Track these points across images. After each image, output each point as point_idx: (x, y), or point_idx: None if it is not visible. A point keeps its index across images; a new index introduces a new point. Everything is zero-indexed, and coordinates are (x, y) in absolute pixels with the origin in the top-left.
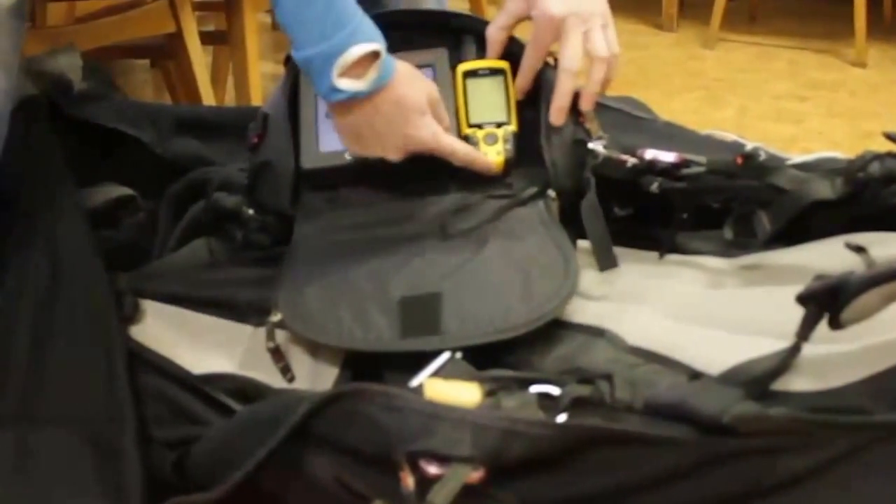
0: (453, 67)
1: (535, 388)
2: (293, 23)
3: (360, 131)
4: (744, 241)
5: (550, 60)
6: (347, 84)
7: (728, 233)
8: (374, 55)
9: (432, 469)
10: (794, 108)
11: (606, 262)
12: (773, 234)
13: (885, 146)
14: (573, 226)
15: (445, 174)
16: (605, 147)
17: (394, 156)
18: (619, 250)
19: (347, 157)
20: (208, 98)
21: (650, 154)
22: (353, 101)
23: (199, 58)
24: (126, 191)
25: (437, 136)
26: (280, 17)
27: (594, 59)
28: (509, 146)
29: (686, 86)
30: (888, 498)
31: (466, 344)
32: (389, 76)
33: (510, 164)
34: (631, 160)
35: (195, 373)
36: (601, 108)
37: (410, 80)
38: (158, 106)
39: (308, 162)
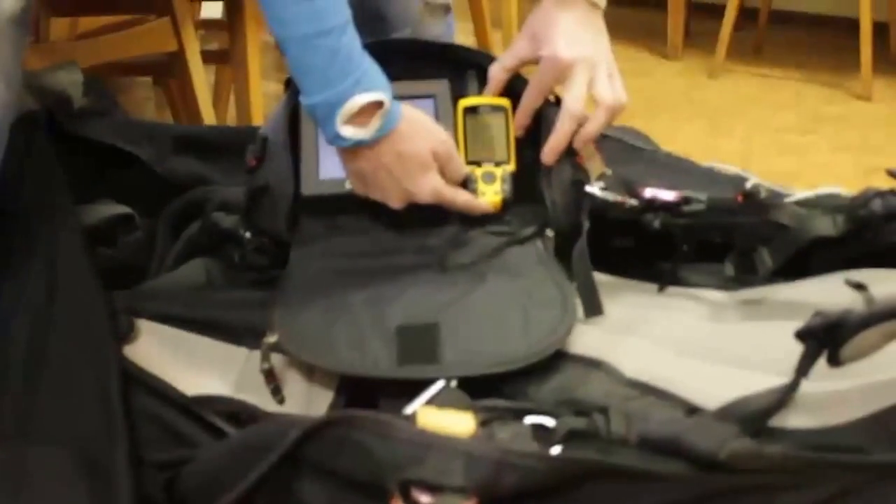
0: (454, 100)
1: (529, 419)
2: (299, 69)
3: (364, 177)
4: (745, 278)
5: (552, 98)
6: (351, 132)
7: (729, 269)
8: (378, 104)
9: (424, 498)
10: (798, 141)
11: (592, 310)
12: (774, 269)
13: (889, 184)
14: (571, 264)
15: (444, 208)
16: (603, 188)
17: (394, 205)
18: (618, 282)
19: (347, 186)
20: (209, 117)
21: (650, 192)
22: (357, 149)
23: (201, 76)
24: (124, 209)
25: (436, 192)
26: (288, 63)
27: (599, 103)
28: (507, 186)
29: (690, 115)
30: None
31: (465, 374)
32: (393, 125)
33: (508, 204)
34: (629, 202)
35: (189, 394)
36: (602, 138)
37: (417, 133)
38: (158, 124)
39: (308, 189)
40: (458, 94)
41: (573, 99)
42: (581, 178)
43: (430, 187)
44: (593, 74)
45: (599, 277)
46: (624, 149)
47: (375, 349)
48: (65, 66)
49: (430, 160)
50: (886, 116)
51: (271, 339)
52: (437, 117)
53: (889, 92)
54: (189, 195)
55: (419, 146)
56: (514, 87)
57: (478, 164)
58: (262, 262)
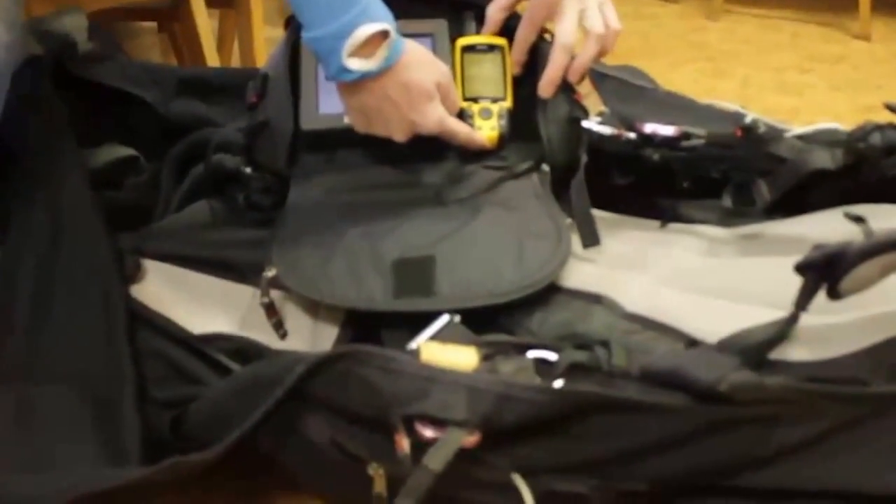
0: (452, 41)
1: (532, 354)
2: (301, 2)
3: (367, 112)
4: (743, 210)
5: (548, 37)
6: (358, 64)
7: (727, 200)
8: (384, 35)
9: (428, 432)
10: (796, 80)
11: (589, 240)
12: (773, 202)
13: (887, 119)
14: (567, 199)
15: (442, 143)
16: (601, 123)
17: (399, 137)
18: (618, 218)
19: (346, 120)
20: (213, 62)
21: (649, 128)
22: (361, 82)
23: (205, 21)
24: (129, 151)
25: (442, 121)
26: None
27: (589, 34)
28: (504, 122)
29: (689, 57)
30: (872, 472)
31: (459, 307)
32: (398, 56)
33: (504, 140)
34: (627, 135)
35: (195, 333)
36: (601, 76)
37: (420, 64)
38: (162, 66)
39: (307, 123)
40: (455, 34)
41: (564, 31)
42: (578, 114)
43: (436, 117)
44: (584, 6)
45: (599, 214)
46: (624, 87)
47: (372, 282)
48: (69, 11)
49: (435, 90)
50: (885, 56)
51: (270, 273)
52: (435, 56)
53: (888, 32)
54: (193, 137)
55: (424, 76)
56: (511, 27)
57: (475, 100)
58: (266, 202)
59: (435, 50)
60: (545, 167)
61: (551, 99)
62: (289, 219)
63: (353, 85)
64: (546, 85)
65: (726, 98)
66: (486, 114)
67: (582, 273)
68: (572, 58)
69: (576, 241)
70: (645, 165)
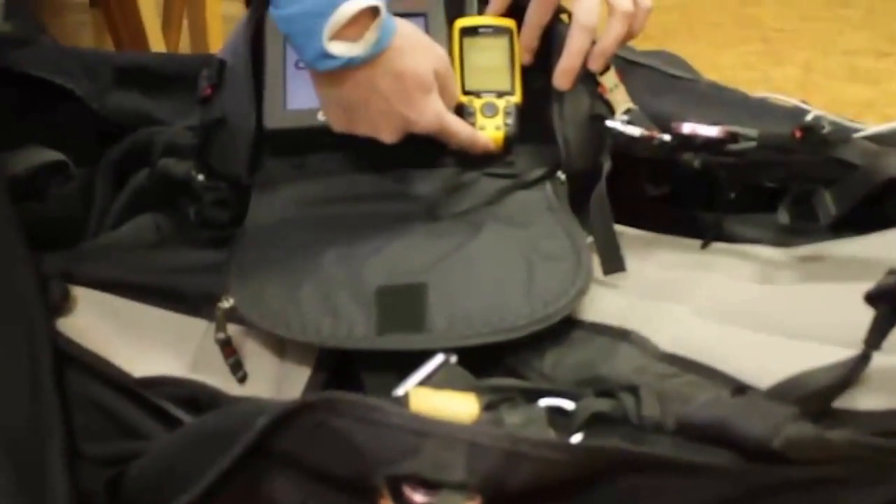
0: (450, 22)
1: (544, 402)
2: None
3: (350, 107)
4: (803, 227)
5: (565, 18)
6: (341, 49)
7: (783, 216)
8: (373, 13)
9: (418, 497)
10: (870, 66)
11: (612, 264)
12: (839, 218)
13: None
14: (588, 214)
15: (436, 144)
16: (629, 121)
17: (387, 138)
18: (650, 237)
19: (321, 117)
20: (157, 44)
21: (688, 128)
22: (345, 72)
23: None
24: (55, 155)
25: (440, 118)
26: None
27: (614, 12)
28: (511, 120)
29: (739, 38)
30: None
31: (456, 345)
32: (389, 39)
33: (511, 141)
34: (661, 137)
35: (136, 376)
36: (629, 65)
37: (415, 49)
38: (95, 52)
39: (272, 121)
40: (453, 14)
41: (584, 10)
42: (601, 111)
43: (433, 113)
44: None
45: (627, 232)
46: (657, 78)
47: (351, 315)
48: None
49: (432, 80)
50: None
51: (227, 303)
52: None
53: None
54: (134, 137)
55: (419, 63)
56: (521, 6)
57: (476, 94)
58: (223, 217)
59: (428, 33)
60: (561, 175)
61: (568, 92)
62: (250, 237)
63: (333, 75)
64: (562, 75)
65: (783, 90)
66: (490, 110)
67: (606, 304)
68: (594, 42)
69: (598, 265)
70: (682, 173)
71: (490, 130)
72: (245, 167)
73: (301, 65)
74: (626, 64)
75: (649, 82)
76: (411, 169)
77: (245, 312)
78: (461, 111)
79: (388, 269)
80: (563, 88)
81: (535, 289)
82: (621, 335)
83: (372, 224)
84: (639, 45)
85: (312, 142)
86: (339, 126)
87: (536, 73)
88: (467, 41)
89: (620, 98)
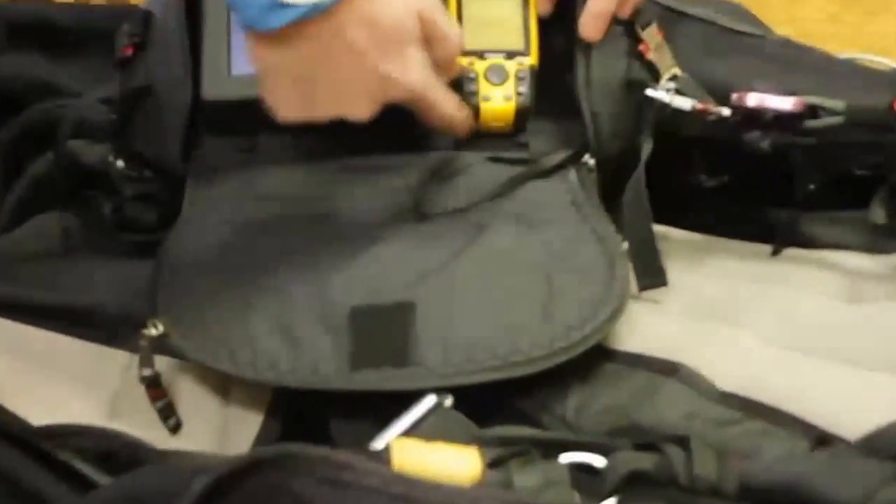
0: None
1: (567, 457)
2: None
3: (308, 79)
4: None
5: None
6: None
7: (878, 215)
8: None
9: None
10: None
11: (649, 276)
12: None
13: None
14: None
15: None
16: (676, 90)
17: (361, 112)
18: (704, 240)
19: None
20: None
21: (754, 99)
22: (302, 27)
23: None
24: None
25: (427, 80)
26: None
27: None
28: (524, 89)
29: None
30: None
31: (453, 383)
32: None
33: (525, 116)
34: (719, 110)
35: (37, 424)
36: (677, 17)
37: None
38: None
39: (213, 90)
40: None
41: None
42: (640, 76)
43: (419, 68)
44: None
45: (673, 234)
46: (713, 34)
47: (316, 345)
48: None
49: (416, 27)
50: None
51: (154, 330)
52: None
53: None
54: (32, 113)
55: (398, 8)
56: None
57: (479, 55)
58: (149, 217)
59: None
60: (589, 160)
61: (599, 50)
62: (185, 244)
63: (285, 34)
64: (591, 21)
65: (879, 48)
66: (498, 75)
67: (647, 329)
68: None
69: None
70: (746, 158)
71: (497, 102)
72: (178, 152)
73: None
74: (673, 15)
75: (704, 40)
76: (393, 153)
77: (178, 342)
78: (459, 78)
79: (363, 285)
80: (591, 39)
81: (555, 309)
82: (667, 370)
83: (343, 226)
84: None
85: (266, 118)
86: (288, 111)
87: (557, 28)
88: None
89: (666, 60)
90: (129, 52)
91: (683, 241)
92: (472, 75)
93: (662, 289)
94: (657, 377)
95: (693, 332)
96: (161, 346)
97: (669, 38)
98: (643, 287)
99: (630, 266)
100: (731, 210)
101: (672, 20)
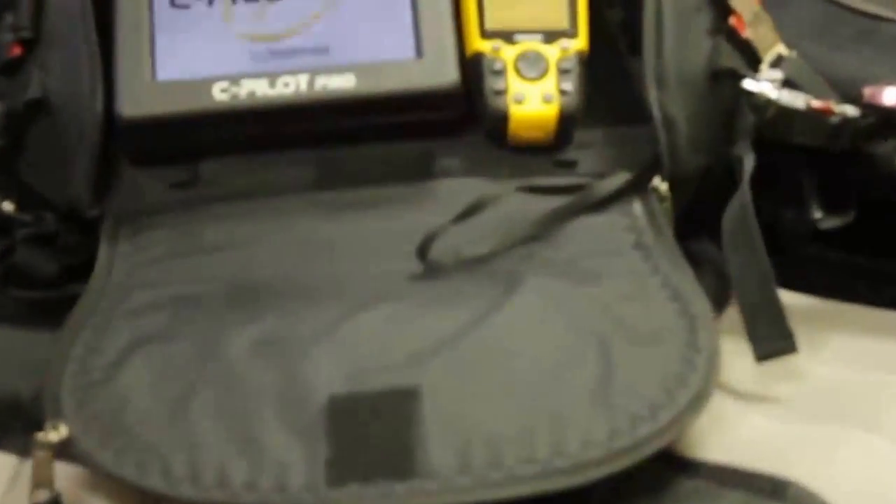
0: None
1: None
2: None
3: None
4: None
5: None
6: None
7: None
8: None
9: None
10: None
11: (771, 343)
12: None
13: None
14: (708, 254)
15: (430, 130)
16: (783, 83)
17: None
18: (825, 306)
19: (218, 93)
20: None
21: (891, 96)
22: None
23: None
24: None
25: None
26: None
27: None
28: (570, 84)
29: None
30: None
31: (475, 499)
32: None
33: (572, 123)
34: (843, 111)
35: None
36: None
37: None
38: None
39: (133, 104)
40: None
41: None
42: (732, 62)
43: None
44: None
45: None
46: (832, 13)
47: (282, 450)
48: None
49: None
50: None
51: (55, 433)
52: None
53: None
54: None
55: None
56: None
57: (507, 37)
58: (47, 270)
59: None
60: (660, 184)
61: (673, 28)
62: (100, 310)
63: None
64: None
65: None
66: (534, 66)
67: (743, 428)
68: None
69: (732, 350)
70: (880, 183)
71: (533, 104)
72: (86, 188)
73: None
74: None
75: (819, 18)
76: (387, 183)
77: (90, 449)
78: (479, 65)
79: (347, 366)
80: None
81: (613, 393)
82: (772, 489)
83: (320, 285)
84: None
85: (207, 139)
86: None
87: (610, 5)
88: None
89: (767, 37)
90: (15, 52)
91: (790, 308)
92: (498, 66)
93: (764, 375)
94: (757, 498)
95: (809, 437)
96: (66, 451)
97: (771, 10)
98: (763, 355)
99: (717, 333)
100: (856, 262)
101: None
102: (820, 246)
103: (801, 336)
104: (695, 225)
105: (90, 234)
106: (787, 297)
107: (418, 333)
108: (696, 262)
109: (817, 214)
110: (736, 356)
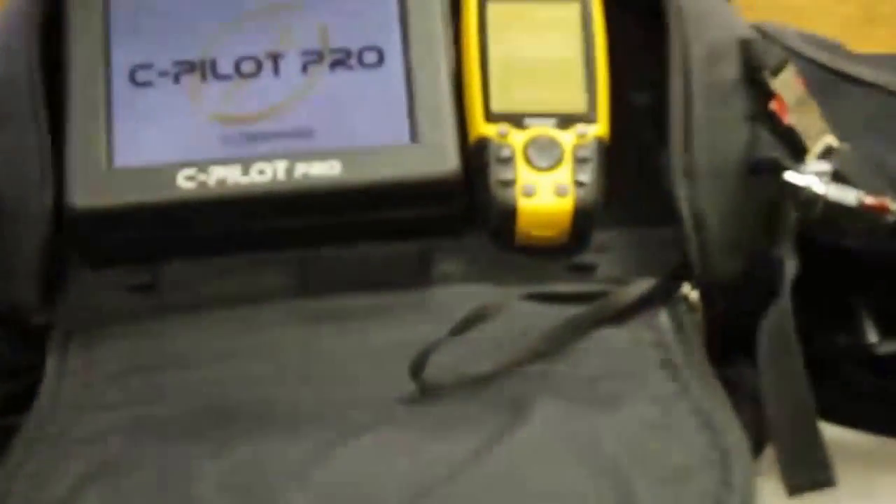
0: None
1: None
2: None
3: None
4: None
5: None
6: None
7: None
8: None
9: None
10: None
11: (805, 476)
12: None
13: None
14: (741, 374)
15: (426, 227)
16: (832, 175)
17: None
18: (885, 445)
19: (184, 180)
20: None
21: None
22: None
23: None
24: None
25: None
26: None
27: None
28: (588, 176)
29: None
30: None
31: None
32: None
33: (589, 220)
34: None
35: None
36: (829, 81)
37: None
38: None
39: (87, 194)
40: None
41: None
42: (772, 154)
43: None
44: None
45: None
46: (891, 106)
47: None
48: None
49: None
50: None
51: None
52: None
53: None
54: None
55: None
56: None
57: (516, 121)
58: None
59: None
60: (689, 291)
61: (704, 111)
62: (45, 437)
63: None
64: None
65: None
66: (546, 155)
67: None
68: None
69: (771, 496)
70: None
71: (545, 198)
72: (33, 291)
73: (144, 76)
74: (824, 76)
75: (874, 109)
76: (374, 290)
77: None
78: (483, 152)
79: None
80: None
81: None
82: None
83: (296, 413)
84: (863, 35)
85: (171, 235)
86: None
87: (640, 74)
88: (496, 9)
89: (813, 124)
90: None
91: (839, 446)
92: (505, 153)
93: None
94: None
95: None
96: None
97: (816, 92)
98: (795, 486)
99: (754, 471)
100: None
101: (822, 84)
102: (877, 375)
103: (853, 479)
104: (730, 342)
105: (35, 347)
106: (837, 433)
107: (411, 468)
108: (731, 387)
109: (872, 338)
110: (776, 499)
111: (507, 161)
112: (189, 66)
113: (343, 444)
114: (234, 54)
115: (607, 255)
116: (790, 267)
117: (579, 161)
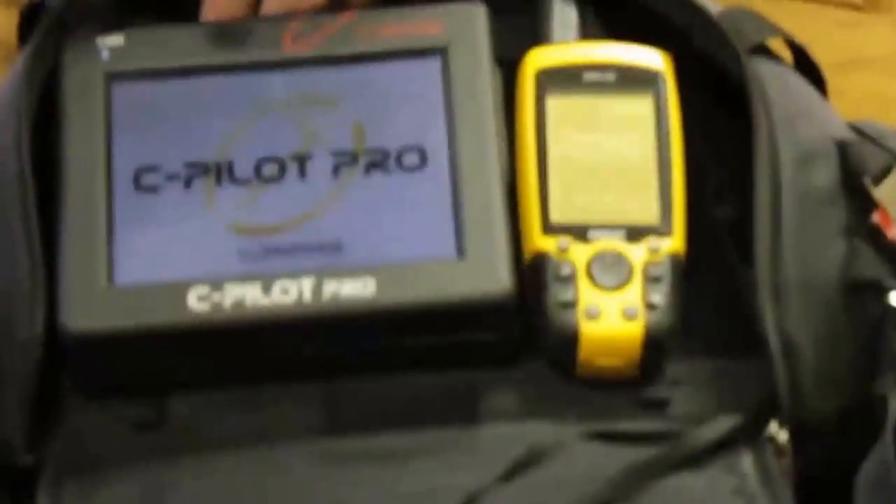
0: (509, 57)
1: None
2: None
3: None
4: None
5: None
6: None
7: None
8: None
9: None
10: None
11: None
12: None
13: None
14: None
15: (473, 355)
16: None
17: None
18: None
19: (195, 303)
20: None
21: None
22: None
23: None
24: None
25: None
26: None
27: None
28: (661, 297)
29: None
30: None
31: None
32: None
33: (662, 348)
34: None
35: None
36: None
37: None
38: None
39: (84, 316)
40: (517, 43)
41: None
42: (874, 273)
43: None
44: None
45: None
46: None
47: None
48: None
49: None
50: None
51: None
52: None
53: None
54: None
55: None
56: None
57: (579, 233)
58: None
59: (449, 87)
60: (778, 431)
61: (795, 224)
62: None
63: None
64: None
65: None
66: (613, 271)
67: None
68: None
69: None
70: None
71: (611, 321)
72: (20, 423)
73: (150, 180)
74: None
75: None
76: (412, 429)
77: None
78: (540, 269)
79: None
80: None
81: None
82: None
83: None
84: None
85: (180, 364)
86: None
87: (720, 180)
88: (557, 103)
89: None
90: None
91: None
92: (565, 270)
93: None
94: None
95: None
96: None
97: None
98: None
99: None
100: None
101: None
102: None
103: None
104: (823, 491)
105: (22, 492)
106: None
107: None
108: None
109: None
110: None
111: (568, 279)
112: (202, 169)
113: None
114: (253, 155)
115: (682, 388)
116: (893, 405)
117: (651, 280)
